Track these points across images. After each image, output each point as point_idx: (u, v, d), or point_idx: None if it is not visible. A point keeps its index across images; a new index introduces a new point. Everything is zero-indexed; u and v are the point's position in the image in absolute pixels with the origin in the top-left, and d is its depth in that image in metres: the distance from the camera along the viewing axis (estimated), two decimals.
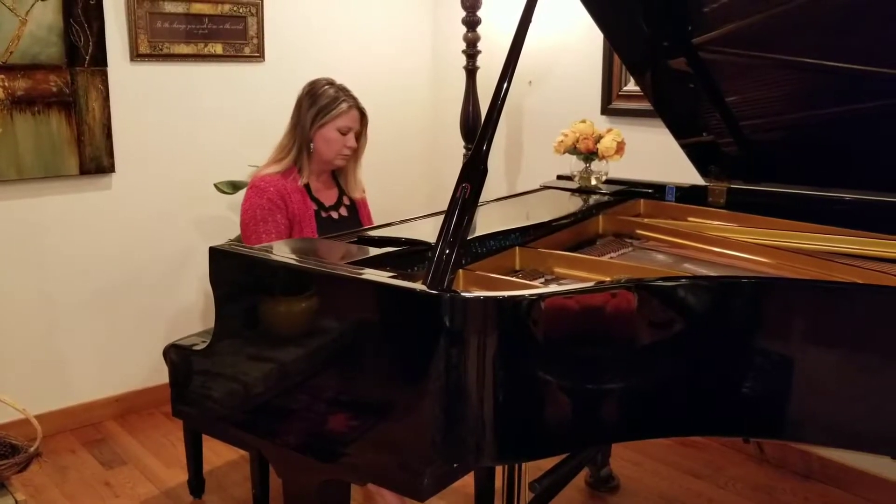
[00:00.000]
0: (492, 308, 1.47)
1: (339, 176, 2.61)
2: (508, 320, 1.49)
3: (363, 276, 1.59)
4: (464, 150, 3.62)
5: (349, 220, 2.56)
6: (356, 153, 2.55)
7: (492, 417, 1.49)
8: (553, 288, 1.64)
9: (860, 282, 1.78)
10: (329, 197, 2.56)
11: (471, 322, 1.47)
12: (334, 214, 2.54)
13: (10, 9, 2.79)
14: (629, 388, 1.59)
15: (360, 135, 2.53)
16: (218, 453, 2.90)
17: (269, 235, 2.38)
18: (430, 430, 1.50)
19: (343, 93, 2.47)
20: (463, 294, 1.48)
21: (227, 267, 1.80)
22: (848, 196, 2.24)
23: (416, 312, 1.52)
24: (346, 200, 2.60)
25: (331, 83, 2.48)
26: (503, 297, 1.48)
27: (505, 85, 1.66)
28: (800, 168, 2.32)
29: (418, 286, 1.51)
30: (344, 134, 2.46)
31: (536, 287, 1.74)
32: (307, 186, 2.50)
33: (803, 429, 1.63)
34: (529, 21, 1.71)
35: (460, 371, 1.48)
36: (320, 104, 2.44)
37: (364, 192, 2.66)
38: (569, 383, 1.55)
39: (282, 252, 1.79)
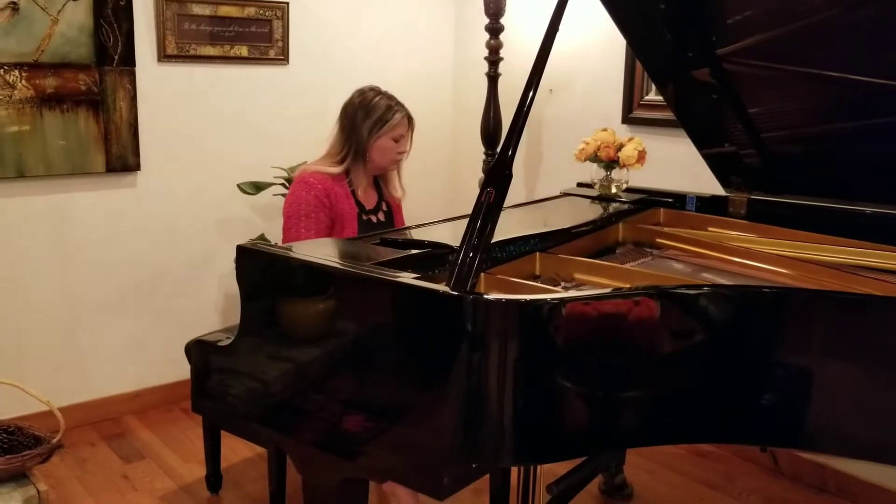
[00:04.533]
0: (514, 311, 1.49)
1: (380, 179, 2.66)
2: (530, 323, 1.50)
3: (387, 277, 1.62)
4: (484, 157, 3.64)
5: (387, 225, 2.62)
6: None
7: (511, 419, 1.51)
8: (575, 293, 1.66)
9: (880, 294, 1.79)
10: (370, 201, 2.61)
11: (493, 324, 1.49)
12: (374, 218, 2.59)
13: (42, 8, 2.84)
14: (648, 394, 1.60)
15: (408, 139, 2.59)
16: (235, 450, 2.94)
17: (308, 231, 2.41)
18: (450, 430, 1.52)
19: (394, 101, 2.53)
20: (485, 296, 1.50)
21: (253, 266, 1.83)
22: (869, 209, 2.24)
23: (439, 313, 1.54)
24: (384, 206, 2.65)
25: (378, 92, 2.53)
26: (525, 300, 1.49)
27: (531, 93, 1.68)
28: (821, 180, 2.32)
29: (441, 287, 1.54)
30: (397, 141, 2.52)
31: (558, 292, 1.76)
32: (352, 190, 2.54)
33: (822, 439, 1.64)
34: (556, 30, 1.73)
35: (481, 372, 1.50)
36: (376, 115, 2.48)
37: (404, 191, 2.71)
38: (588, 388, 1.57)
39: (306, 252, 1.82)
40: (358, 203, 2.56)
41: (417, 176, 3.91)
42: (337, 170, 2.52)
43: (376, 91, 2.54)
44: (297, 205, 2.45)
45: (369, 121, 2.48)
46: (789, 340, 1.64)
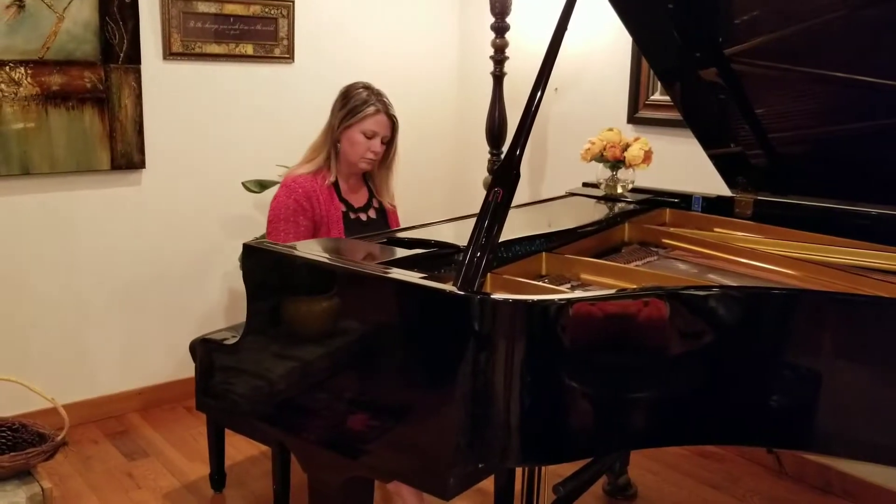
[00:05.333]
0: (521, 311, 1.49)
1: (369, 179, 2.64)
2: (537, 324, 1.50)
3: (394, 276, 1.61)
4: (489, 156, 3.64)
5: (377, 223, 2.58)
6: (385, 160, 2.57)
7: (518, 420, 1.50)
8: (583, 293, 1.66)
9: (887, 296, 1.78)
10: (358, 199, 2.59)
11: (500, 324, 1.49)
12: (363, 216, 2.57)
13: (48, 5, 2.84)
14: (656, 395, 1.60)
15: (390, 142, 2.54)
16: (239, 449, 2.93)
17: (287, 235, 2.41)
18: (456, 430, 1.52)
19: (375, 97, 2.48)
20: (493, 296, 1.50)
21: (260, 264, 1.83)
22: (874, 210, 2.24)
23: (446, 313, 1.54)
24: (375, 203, 2.63)
25: (366, 87, 2.50)
26: (533, 300, 1.49)
27: (539, 93, 1.67)
28: (827, 181, 2.32)
29: (448, 287, 1.53)
30: (369, 138, 2.47)
31: (565, 292, 1.76)
32: (336, 187, 2.52)
33: (830, 441, 1.64)
34: (565, 29, 1.73)
35: (487, 372, 1.50)
36: (349, 106, 2.47)
37: (394, 202, 2.67)
38: (595, 388, 1.56)
39: (313, 251, 1.82)
40: (343, 201, 2.53)
41: (421, 175, 3.92)
42: (315, 164, 2.51)
43: (364, 85, 2.51)
44: (278, 209, 2.45)
45: (343, 110, 2.47)
46: (797, 342, 1.63)
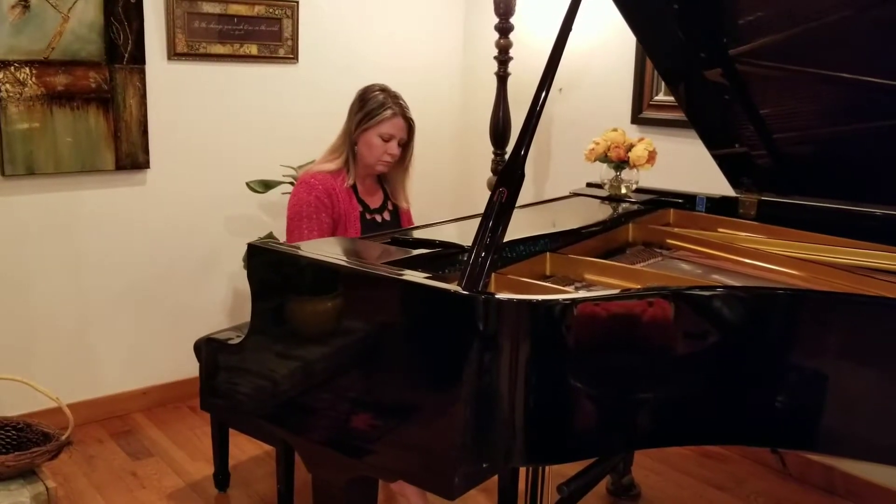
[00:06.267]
0: (526, 311, 1.49)
1: (384, 182, 2.64)
2: (542, 324, 1.50)
3: (399, 276, 1.61)
4: (493, 156, 3.64)
5: (392, 225, 2.59)
6: (401, 162, 2.57)
7: (522, 419, 1.50)
8: (587, 294, 1.66)
9: (892, 297, 1.78)
10: (374, 200, 2.60)
11: (504, 324, 1.49)
12: (378, 218, 2.58)
13: (53, 6, 2.85)
14: (661, 395, 1.60)
15: (406, 144, 2.54)
16: (243, 449, 2.94)
17: (311, 232, 2.41)
18: (461, 430, 1.51)
19: (392, 100, 2.48)
20: (497, 296, 1.50)
21: (264, 264, 1.83)
22: (879, 211, 2.24)
23: (451, 313, 1.54)
24: (390, 205, 2.63)
25: (383, 90, 2.51)
26: (537, 300, 1.49)
27: (544, 93, 1.67)
28: (832, 182, 2.31)
29: (453, 287, 1.53)
30: (386, 141, 2.47)
31: (569, 292, 1.76)
32: (354, 188, 2.53)
33: (836, 442, 1.63)
34: (570, 29, 1.73)
35: (492, 372, 1.50)
36: (367, 109, 2.47)
37: (409, 204, 2.67)
38: (600, 388, 1.56)
39: (317, 251, 1.82)
40: (361, 202, 2.54)
41: (425, 175, 3.91)
42: (335, 165, 2.51)
43: (381, 88, 2.52)
44: (299, 206, 2.45)
45: (360, 113, 2.48)
46: (801, 342, 1.63)
